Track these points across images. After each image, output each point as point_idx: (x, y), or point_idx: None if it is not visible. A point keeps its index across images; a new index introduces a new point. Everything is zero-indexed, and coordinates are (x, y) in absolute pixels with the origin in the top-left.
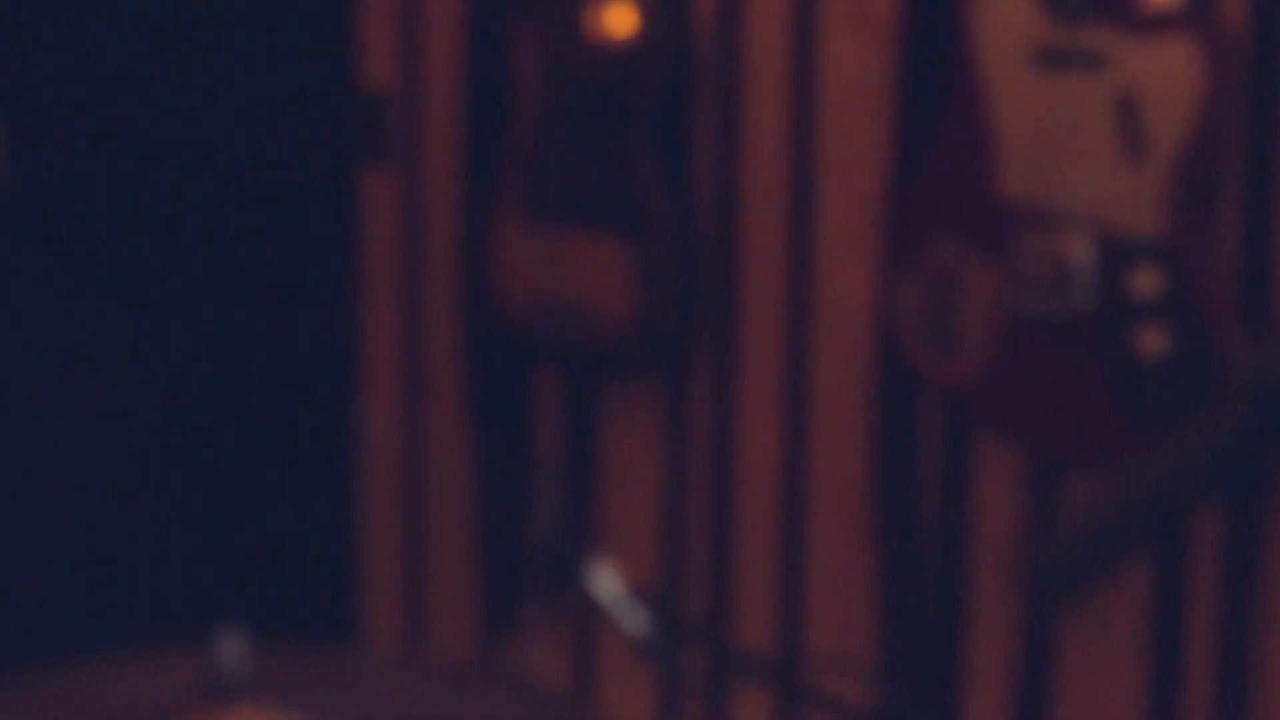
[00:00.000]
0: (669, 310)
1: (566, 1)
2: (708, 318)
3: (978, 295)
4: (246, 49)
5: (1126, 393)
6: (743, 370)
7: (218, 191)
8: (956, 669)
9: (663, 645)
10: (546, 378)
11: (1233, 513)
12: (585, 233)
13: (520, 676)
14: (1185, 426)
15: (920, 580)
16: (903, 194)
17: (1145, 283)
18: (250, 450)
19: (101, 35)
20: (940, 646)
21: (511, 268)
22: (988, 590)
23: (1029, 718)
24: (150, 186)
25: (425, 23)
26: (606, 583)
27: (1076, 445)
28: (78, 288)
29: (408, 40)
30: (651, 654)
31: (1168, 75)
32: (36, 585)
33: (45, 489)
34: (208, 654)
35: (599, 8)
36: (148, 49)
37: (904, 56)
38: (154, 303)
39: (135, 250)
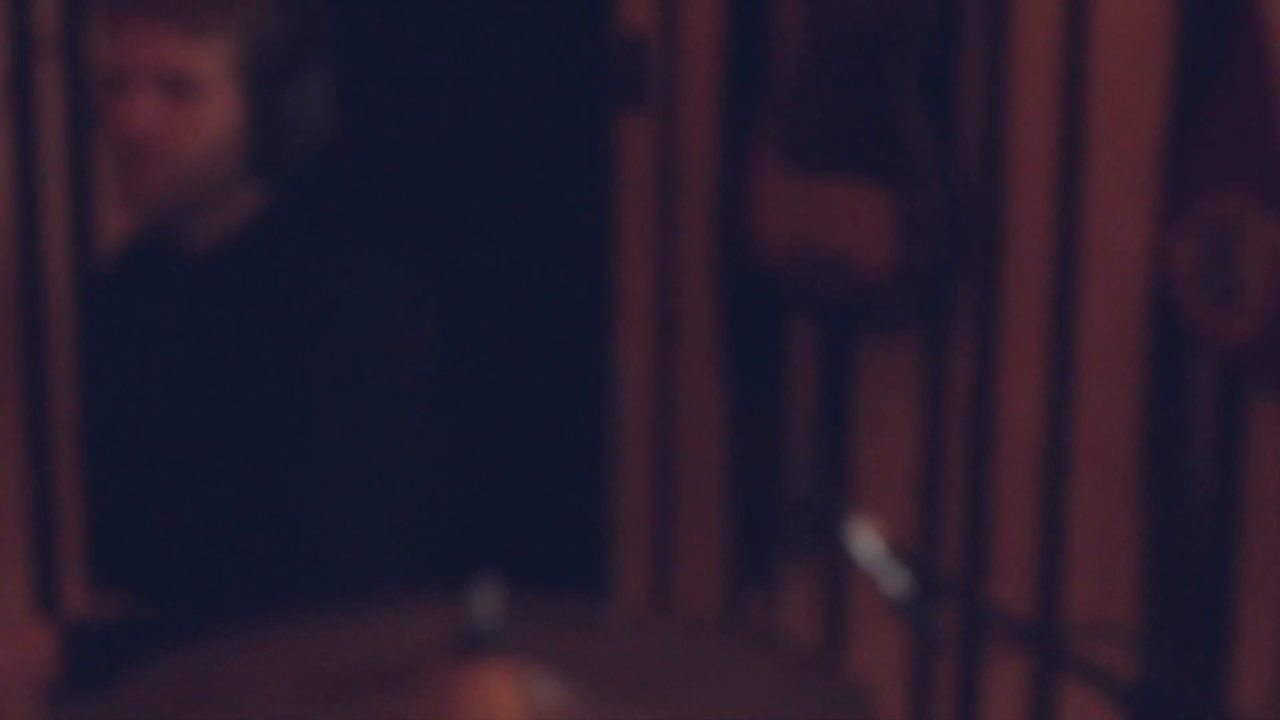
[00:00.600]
0: (930, 259)
1: None
2: (970, 268)
3: (1260, 250)
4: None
5: None
6: (1006, 322)
7: (483, 137)
8: (1225, 636)
9: (917, 605)
10: (801, 328)
11: None
12: (845, 179)
13: (770, 632)
14: None
15: (1188, 543)
16: (1179, 141)
17: None
18: (506, 400)
19: None
20: (1208, 612)
21: (768, 215)
22: (1259, 556)
23: None
24: (428, 135)
25: None
26: (861, 540)
27: None
28: (375, 239)
29: None
30: (906, 613)
31: None
32: (300, 535)
33: (322, 439)
34: (462, 607)
35: None
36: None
37: None
38: (432, 251)
39: (419, 199)
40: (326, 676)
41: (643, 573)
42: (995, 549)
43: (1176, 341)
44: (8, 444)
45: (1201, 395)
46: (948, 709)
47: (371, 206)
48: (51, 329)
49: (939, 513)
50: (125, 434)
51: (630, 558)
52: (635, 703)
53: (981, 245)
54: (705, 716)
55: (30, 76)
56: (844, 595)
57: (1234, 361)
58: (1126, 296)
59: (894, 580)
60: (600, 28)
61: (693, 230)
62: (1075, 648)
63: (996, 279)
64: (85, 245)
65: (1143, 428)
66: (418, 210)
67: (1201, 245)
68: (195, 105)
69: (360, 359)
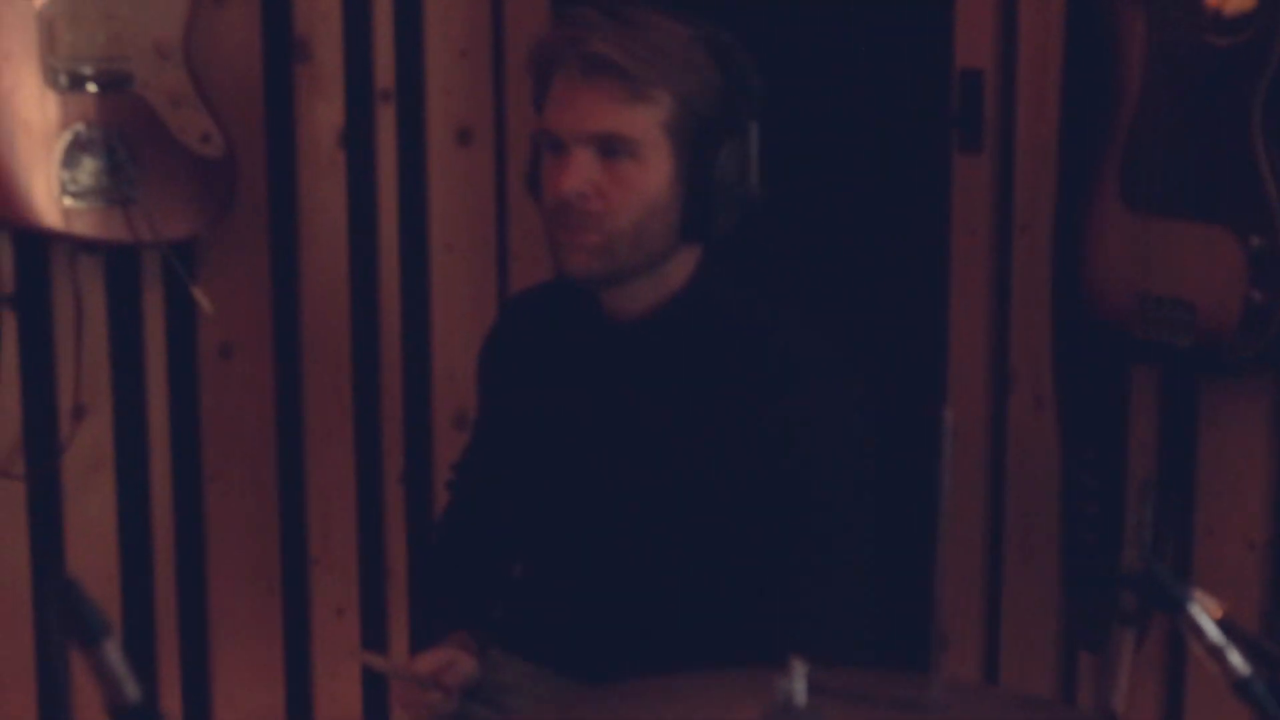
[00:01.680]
0: None
1: None
2: None
3: None
4: (855, 31)
5: None
6: None
7: (844, 185)
8: None
9: (1264, 688)
10: (1140, 378)
11: None
12: (1189, 223)
13: (1101, 710)
14: None
15: None
16: None
17: None
18: None
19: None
20: None
21: (1106, 259)
22: None
23: None
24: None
25: (1022, 1)
26: (1204, 612)
27: None
28: (786, 299)
29: (1005, 18)
30: (1250, 697)
31: None
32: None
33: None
34: (777, 682)
35: None
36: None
37: None
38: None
39: (799, 252)
40: None
41: (970, 640)
42: None
43: None
44: (342, 500)
45: None
46: None
47: (771, 263)
48: (384, 373)
49: None
50: (532, 498)
51: (956, 621)
52: None
53: None
54: None
55: (368, 128)
56: (1181, 674)
57: None
58: None
59: (1236, 659)
60: (939, 63)
61: (1027, 273)
62: None
63: None
64: (416, 292)
65: None
66: (801, 263)
67: None
68: (631, 166)
69: (818, 422)
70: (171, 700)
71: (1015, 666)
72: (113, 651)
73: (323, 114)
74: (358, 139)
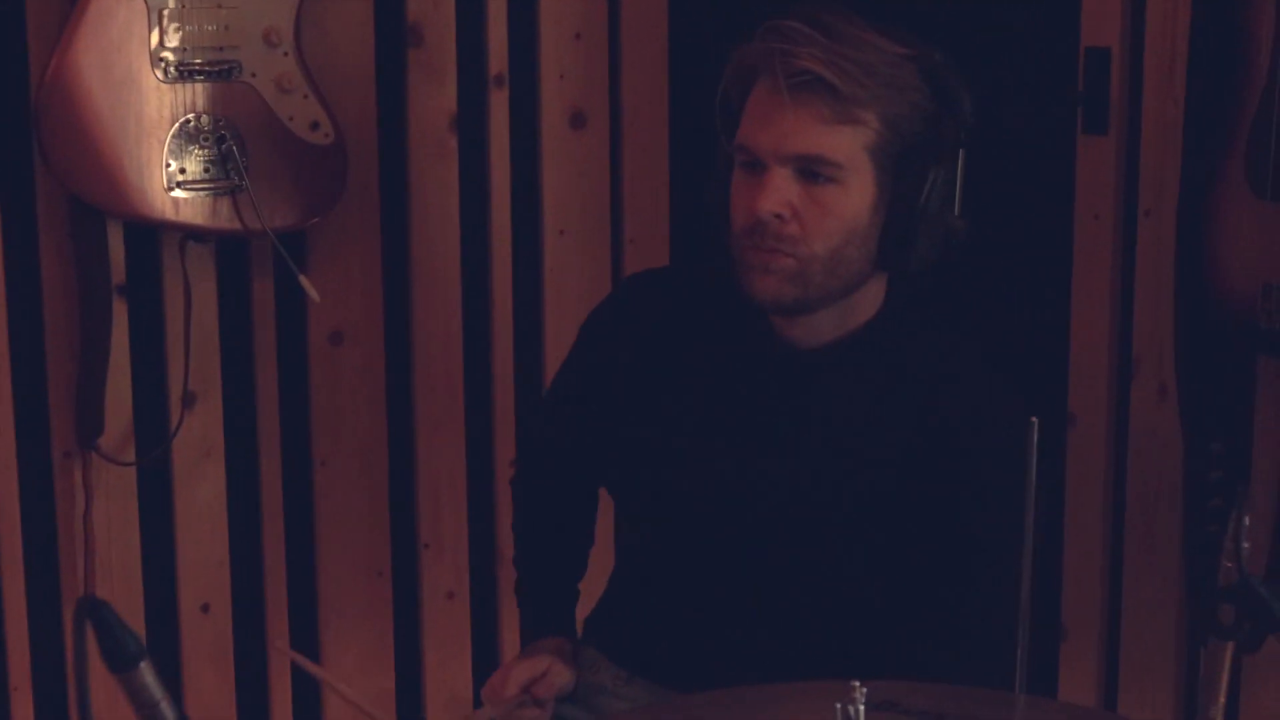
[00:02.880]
0: None
1: None
2: None
3: None
4: (981, 8)
5: None
6: None
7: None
8: None
9: None
10: (1267, 370)
11: None
12: None
13: None
14: None
15: None
16: None
17: None
18: None
19: None
20: None
21: (1232, 247)
22: None
23: None
24: None
25: None
26: None
27: None
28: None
29: None
30: None
31: None
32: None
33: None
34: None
35: None
36: None
37: None
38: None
39: None
40: None
41: (1089, 632)
42: None
43: None
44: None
45: None
46: None
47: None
48: (495, 359)
49: None
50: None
51: (1077, 616)
52: None
53: None
54: None
55: (480, 113)
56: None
57: None
58: None
59: None
60: (1066, 41)
61: (1152, 258)
62: None
63: None
64: (529, 277)
65: None
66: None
67: None
68: (832, 190)
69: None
70: (281, 687)
71: (1136, 659)
72: (148, 674)
73: (435, 100)
74: (470, 124)
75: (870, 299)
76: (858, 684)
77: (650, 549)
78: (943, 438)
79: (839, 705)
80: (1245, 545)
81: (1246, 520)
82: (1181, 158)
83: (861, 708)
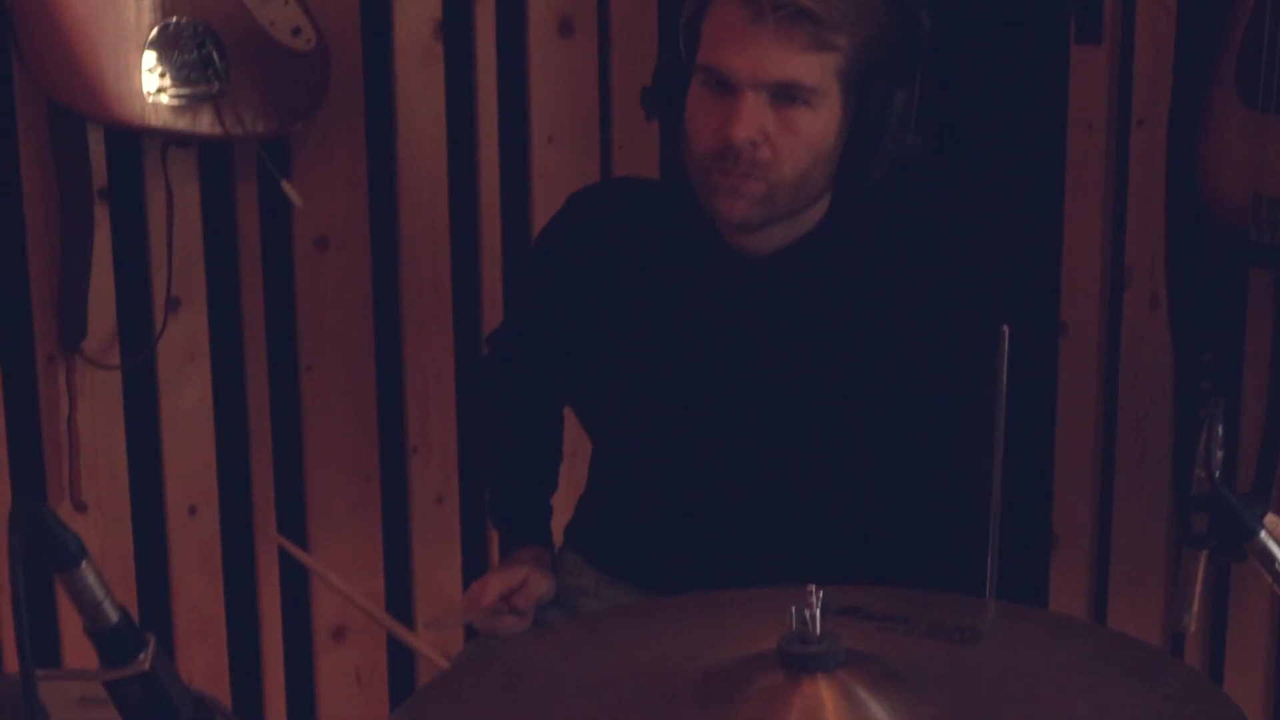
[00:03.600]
0: None
1: None
2: None
3: None
4: None
5: None
6: None
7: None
8: None
9: None
10: (1257, 281)
11: None
12: None
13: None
14: None
15: None
16: None
17: None
18: None
19: None
20: None
21: (1222, 158)
22: None
23: None
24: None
25: None
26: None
27: None
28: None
29: None
30: None
31: None
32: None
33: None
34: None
35: None
36: None
37: None
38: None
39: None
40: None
41: (1080, 540)
42: None
43: None
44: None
45: None
46: None
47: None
48: (483, 265)
49: None
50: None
51: (1067, 524)
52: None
53: None
54: None
55: (466, 19)
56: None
57: None
58: None
59: None
60: None
61: (1145, 169)
62: None
63: None
64: (516, 184)
65: None
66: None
67: None
68: (804, 114)
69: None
70: (270, 591)
71: (1125, 567)
72: (89, 574)
73: (419, 5)
74: (456, 30)
75: (820, 207)
76: (814, 588)
77: (617, 459)
78: (898, 335)
79: (793, 609)
80: (1218, 454)
81: (1220, 429)
82: (1173, 68)
83: (817, 613)
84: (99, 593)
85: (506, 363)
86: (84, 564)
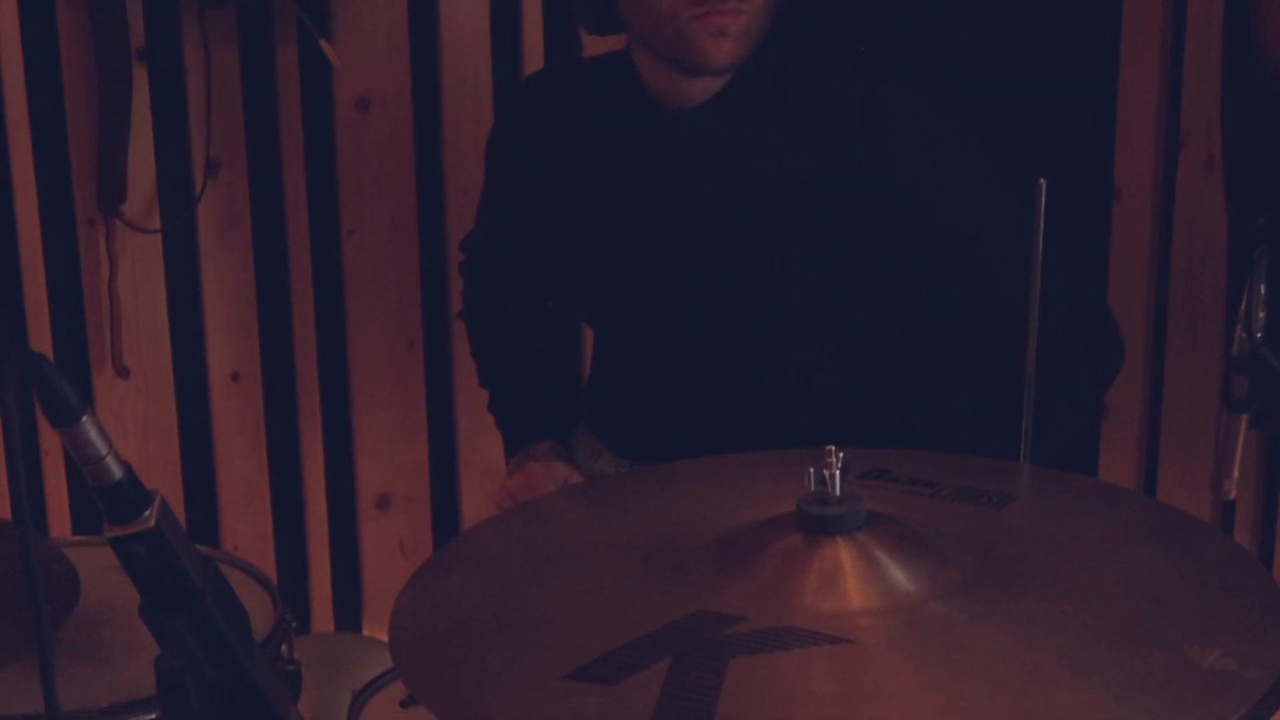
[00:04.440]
0: None
1: None
2: None
3: None
4: None
5: None
6: None
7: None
8: None
9: None
10: None
11: None
12: None
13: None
14: None
15: None
16: None
17: None
18: None
19: None
20: None
21: (1277, 17)
22: None
23: None
24: None
25: None
26: None
27: None
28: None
29: None
30: None
31: None
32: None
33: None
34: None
35: None
36: None
37: None
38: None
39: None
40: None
41: (1131, 408)
42: None
43: None
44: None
45: None
46: None
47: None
48: None
49: None
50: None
51: (1118, 392)
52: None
53: None
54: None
55: None
56: None
57: None
58: None
59: None
60: None
61: (1201, 28)
62: None
63: None
64: (563, 41)
65: None
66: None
67: None
68: None
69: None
70: (314, 459)
71: (1176, 438)
72: (91, 428)
73: None
74: None
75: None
76: (833, 449)
77: (611, 339)
78: (855, 130)
79: (810, 470)
80: (1260, 314)
81: (1262, 288)
82: None
83: (836, 473)
84: (102, 448)
85: (483, 265)
86: (85, 418)
